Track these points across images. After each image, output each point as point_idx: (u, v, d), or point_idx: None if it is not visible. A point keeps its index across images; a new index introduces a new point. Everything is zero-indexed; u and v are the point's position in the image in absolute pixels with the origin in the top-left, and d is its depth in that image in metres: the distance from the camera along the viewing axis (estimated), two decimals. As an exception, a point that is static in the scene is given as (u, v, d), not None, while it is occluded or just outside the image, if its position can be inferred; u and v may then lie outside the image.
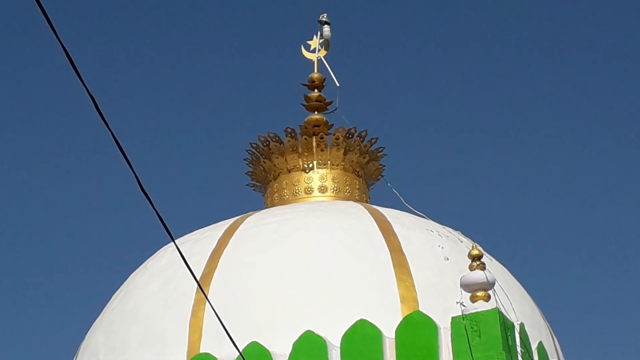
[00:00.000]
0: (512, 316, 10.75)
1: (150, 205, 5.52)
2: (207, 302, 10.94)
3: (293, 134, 14.64)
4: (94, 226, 32.49)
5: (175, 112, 34.72)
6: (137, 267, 13.50)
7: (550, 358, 11.52)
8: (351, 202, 14.01)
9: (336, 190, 14.48)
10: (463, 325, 10.05)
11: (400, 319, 10.66)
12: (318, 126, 14.77)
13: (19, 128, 35.46)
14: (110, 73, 35.60)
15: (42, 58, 32.13)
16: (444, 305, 10.85)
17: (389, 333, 10.43)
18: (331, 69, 15.33)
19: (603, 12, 36.04)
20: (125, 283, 13.36)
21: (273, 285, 11.93)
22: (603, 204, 35.18)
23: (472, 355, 9.90)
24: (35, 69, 34.28)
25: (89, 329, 13.34)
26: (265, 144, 14.74)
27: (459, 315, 10.12)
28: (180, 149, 33.16)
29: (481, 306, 10.13)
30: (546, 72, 36.59)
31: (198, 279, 11.62)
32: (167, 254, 12.23)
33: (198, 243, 12.91)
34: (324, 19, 15.30)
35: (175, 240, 12.38)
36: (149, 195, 5.49)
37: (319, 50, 15.42)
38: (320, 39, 15.41)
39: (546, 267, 31.03)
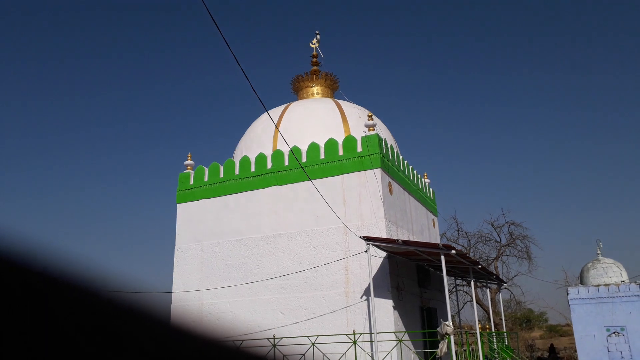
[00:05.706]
0: (382, 136, 11.47)
1: (260, 101, 7.00)
2: (279, 131, 11.74)
3: (307, 74, 15.05)
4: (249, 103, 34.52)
5: (267, 68, 36.25)
6: (255, 119, 13.94)
7: (394, 150, 11.69)
8: (328, 99, 14.11)
9: (322, 94, 14.82)
10: (365, 140, 10.76)
11: (344, 137, 11.24)
12: (316, 71, 15.14)
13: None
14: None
15: None
16: (359, 133, 11.35)
17: (340, 142, 10.94)
18: (320, 50, 15.61)
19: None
20: (251, 125, 13.77)
21: (301, 126, 12.33)
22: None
23: (368, 149, 10.63)
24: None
25: (238, 142, 13.69)
26: (297, 77, 15.04)
27: (364, 136, 10.85)
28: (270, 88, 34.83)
29: (371, 133, 10.85)
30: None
31: (276, 121, 12.43)
32: (266, 115, 12.63)
33: (276, 110, 13.30)
34: (317, 32, 15.52)
35: (269, 110, 14.30)
36: (260, 96, 6.70)
37: (315, 44, 15.50)
38: (316, 39, 15.53)
39: (397, 117, 33.07)
